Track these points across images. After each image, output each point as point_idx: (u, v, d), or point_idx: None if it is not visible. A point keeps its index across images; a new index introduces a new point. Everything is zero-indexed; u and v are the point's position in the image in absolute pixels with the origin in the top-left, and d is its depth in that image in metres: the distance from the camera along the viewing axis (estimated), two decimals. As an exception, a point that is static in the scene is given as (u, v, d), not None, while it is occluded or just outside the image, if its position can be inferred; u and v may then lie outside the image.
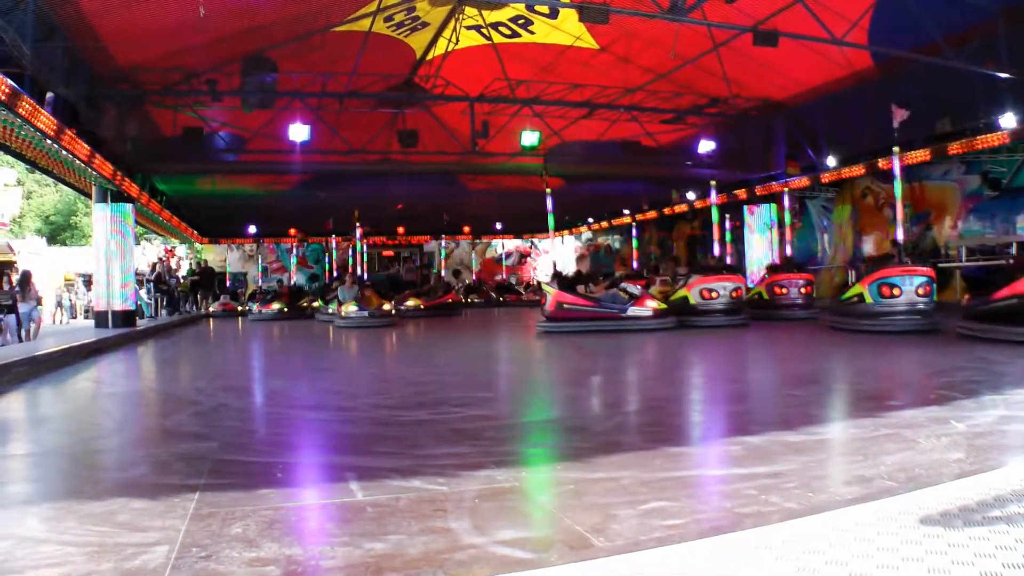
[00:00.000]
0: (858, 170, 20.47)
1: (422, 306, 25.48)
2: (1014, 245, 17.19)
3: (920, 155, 18.09)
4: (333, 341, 15.99)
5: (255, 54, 16.71)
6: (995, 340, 10.05)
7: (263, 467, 4.43)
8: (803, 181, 22.32)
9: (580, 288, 15.84)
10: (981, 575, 2.30)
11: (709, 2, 13.08)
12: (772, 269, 19.65)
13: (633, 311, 14.96)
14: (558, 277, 16.53)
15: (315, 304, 27.18)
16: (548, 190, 18.27)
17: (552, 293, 15.52)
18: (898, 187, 14.90)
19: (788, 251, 22.32)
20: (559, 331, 15.01)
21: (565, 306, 15.26)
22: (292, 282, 33.10)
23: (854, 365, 9.03)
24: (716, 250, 20.97)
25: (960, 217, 19.20)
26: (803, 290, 18.07)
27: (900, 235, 14.70)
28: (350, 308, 19.98)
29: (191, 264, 36.46)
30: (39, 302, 18.70)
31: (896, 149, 15.10)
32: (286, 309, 26.84)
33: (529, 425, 6.00)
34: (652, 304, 15.18)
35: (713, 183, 20.95)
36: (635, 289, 15.55)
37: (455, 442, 4.93)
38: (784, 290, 18.09)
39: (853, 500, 3.20)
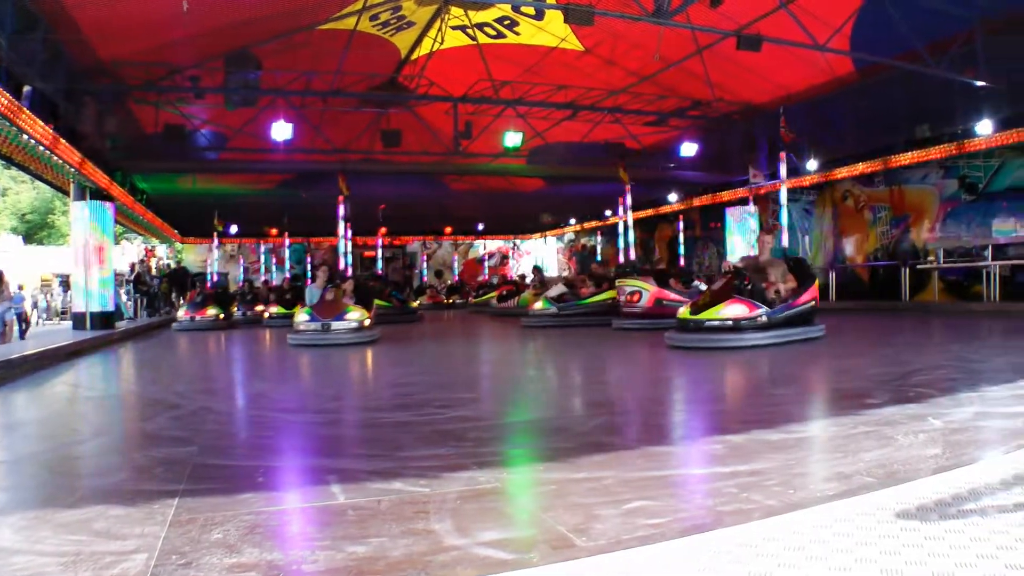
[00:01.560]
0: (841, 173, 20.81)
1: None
2: (990, 248, 17.49)
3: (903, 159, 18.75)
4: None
5: (239, 51, 16.67)
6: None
7: (243, 471, 4.41)
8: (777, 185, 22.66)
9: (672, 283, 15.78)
10: (956, 566, 2.34)
11: (694, 6, 13.14)
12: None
13: None
14: (654, 274, 16.30)
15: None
16: (628, 186, 18.70)
17: (651, 290, 15.20)
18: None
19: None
20: (654, 328, 14.39)
21: (664, 303, 15.06)
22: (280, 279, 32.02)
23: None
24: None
25: (938, 220, 19.42)
26: None
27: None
28: (299, 318, 14.60)
29: (163, 265, 36.06)
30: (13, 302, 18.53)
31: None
32: (222, 316, 21.81)
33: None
34: None
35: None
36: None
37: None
38: None
39: (832, 496, 3.23)
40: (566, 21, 12.46)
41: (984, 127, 16.50)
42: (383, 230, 31.41)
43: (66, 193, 18.89)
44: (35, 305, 29.99)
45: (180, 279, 30.74)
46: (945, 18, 14.77)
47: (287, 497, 3.94)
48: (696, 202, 27.31)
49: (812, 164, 21.17)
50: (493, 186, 28.72)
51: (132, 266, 29.31)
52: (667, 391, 7.79)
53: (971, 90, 15.87)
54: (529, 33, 18.77)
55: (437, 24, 17.90)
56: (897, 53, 15.56)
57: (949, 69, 15.43)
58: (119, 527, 3.28)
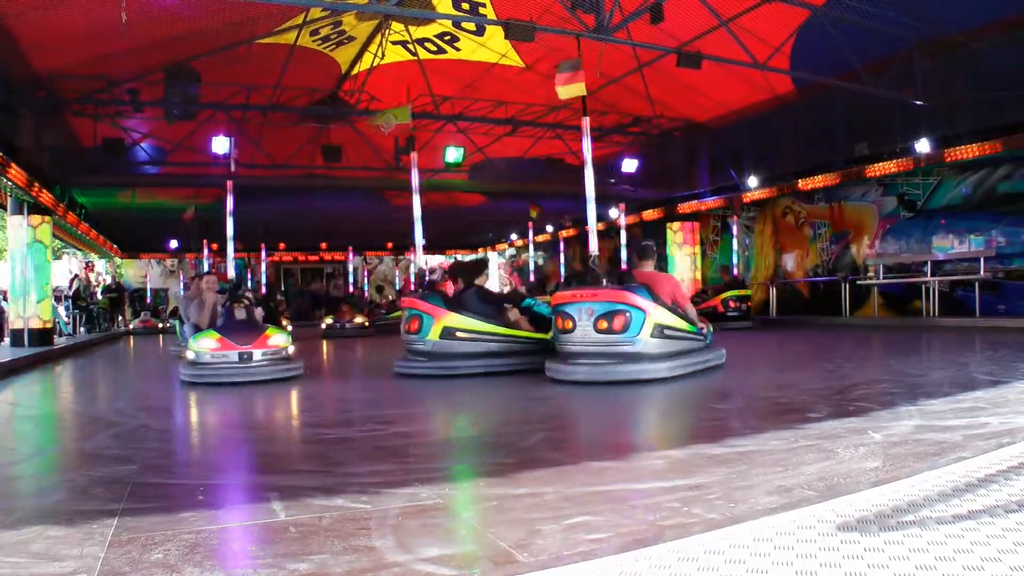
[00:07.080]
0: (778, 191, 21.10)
1: None
2: (928, 263, 17.80)
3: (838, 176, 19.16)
4: None
5: (178, 64, 16.48)
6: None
7: (184, 489, 4.32)
8: (722, 201, 22.90)
9: None
10: (895, 577, 2.36)
11: (635, 22, 13.22)
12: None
13: None
14: None
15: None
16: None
17: None
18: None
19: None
20: None
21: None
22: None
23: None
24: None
25: (877, 237, 19.75)
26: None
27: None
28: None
29: (105, 281, 35.58)
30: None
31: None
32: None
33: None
34: None
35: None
36: None
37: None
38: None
39: (773, 509, 3.24)
40: (507, 37, 12.48)
41: (922, 146, 16.78)
42: (324, 244, 31.24)
43: (3, 207, 18.51)
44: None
45: (119, 296, 30.37)
46: (883, 39, 15.00)
47: (228, 515, 3.87)
48: (633, 219, 27.53)
49: (753, 181, 21.41)
50: (434, 201, 28.70)
51: (71, 282, 28.85)
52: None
53: (910, 109, 16.17)
54: (470, 49, 18.76)
55: (378, 39, 17.82)
56: (836, 72, 15.81)
57: (887, 88, 15.72)
58: (58, 548, 3.20)
